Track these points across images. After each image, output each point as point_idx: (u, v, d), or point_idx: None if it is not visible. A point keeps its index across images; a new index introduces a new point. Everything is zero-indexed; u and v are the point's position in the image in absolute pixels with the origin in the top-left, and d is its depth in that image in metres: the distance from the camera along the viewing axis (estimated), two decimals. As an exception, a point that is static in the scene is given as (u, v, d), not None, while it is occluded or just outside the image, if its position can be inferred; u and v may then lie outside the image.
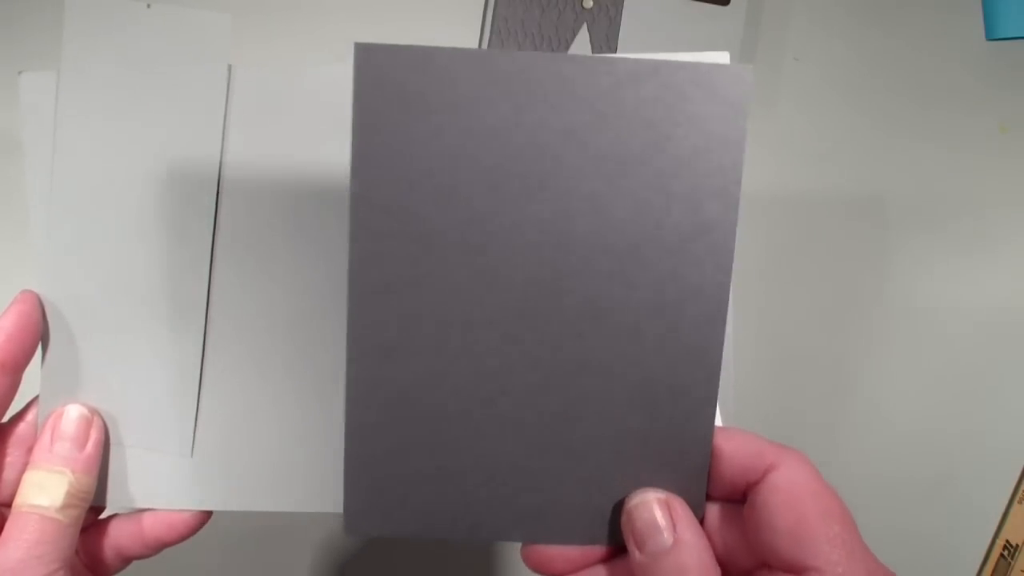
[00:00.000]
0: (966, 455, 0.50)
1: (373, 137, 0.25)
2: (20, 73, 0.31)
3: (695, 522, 0.26)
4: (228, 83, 0.31)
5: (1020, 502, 0.49)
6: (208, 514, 0.32)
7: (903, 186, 0.51)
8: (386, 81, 0.25)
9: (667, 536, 0.25)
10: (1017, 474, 0.50)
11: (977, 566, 0.50)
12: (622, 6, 0.49)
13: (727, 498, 0.27)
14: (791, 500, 0.25)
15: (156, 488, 0.31)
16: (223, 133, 0.32)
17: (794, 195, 0.51)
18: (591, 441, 0.27)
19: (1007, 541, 0.49)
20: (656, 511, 0.26)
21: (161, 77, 0.31)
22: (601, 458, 0.27)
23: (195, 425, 0.33)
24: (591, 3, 0.49)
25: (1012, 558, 0.48)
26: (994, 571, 0.49)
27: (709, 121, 0.26)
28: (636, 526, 0.26)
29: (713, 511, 0.28)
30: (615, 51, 0.49)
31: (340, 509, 0.28)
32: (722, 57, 0.29)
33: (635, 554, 0.25)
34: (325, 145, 0.31)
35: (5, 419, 0.31)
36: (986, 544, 0.50)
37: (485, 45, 0.49)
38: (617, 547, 0.28)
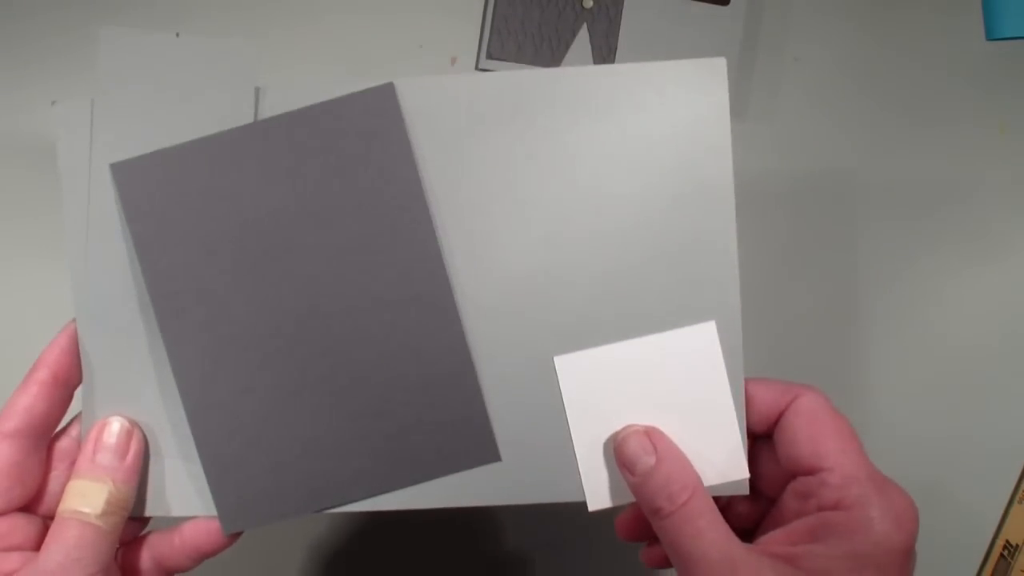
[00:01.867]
0: (966, 456, 0.50)
1: (148, 230, 0.32)
2: (53, 103, 0.33)
3: (671, 442, 0.31)
4: (256, 106, 0.33)
5: (1020, 502, 0.49)
6: None
7: (903, 186, 0.51)
8: (145, 188, 0.32)
9: (650, 457, 0.30)
10: (1017, 474, 0.50)
11: (977, 566, 0.50)
12: (622, 6, 0.49)
13: (766, 432, 0.33)
14: (810, 419, 0.31)
15: (192, 496, 0.33)
16: None
17: (794, 194, 0.51)
18: (384, 411, 0.33)
19: (1007, 541, 0.49)
20: (639, 440, 0.31)
21: (192, 104, 0.33)
22: (395, 423, 0.33)
23: None
24: (591, 3, 0.49)
25: (1012, 558, 0.48)
26: (994, 571, 0.49)
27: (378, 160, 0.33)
28: (626, 453, 0.31)
29: (755, 448, 0.34)
30: (615, 51, 0.49)
31: (383, 493, 0.33)
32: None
33: (628, 477, 0.31)
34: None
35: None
36: (986, 544, 0.50)
37: (485, 45, 0.49)
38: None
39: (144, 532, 0.34)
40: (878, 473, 0.30)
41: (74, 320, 0.33)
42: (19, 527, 0.31)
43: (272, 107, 0.33)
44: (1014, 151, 0.52)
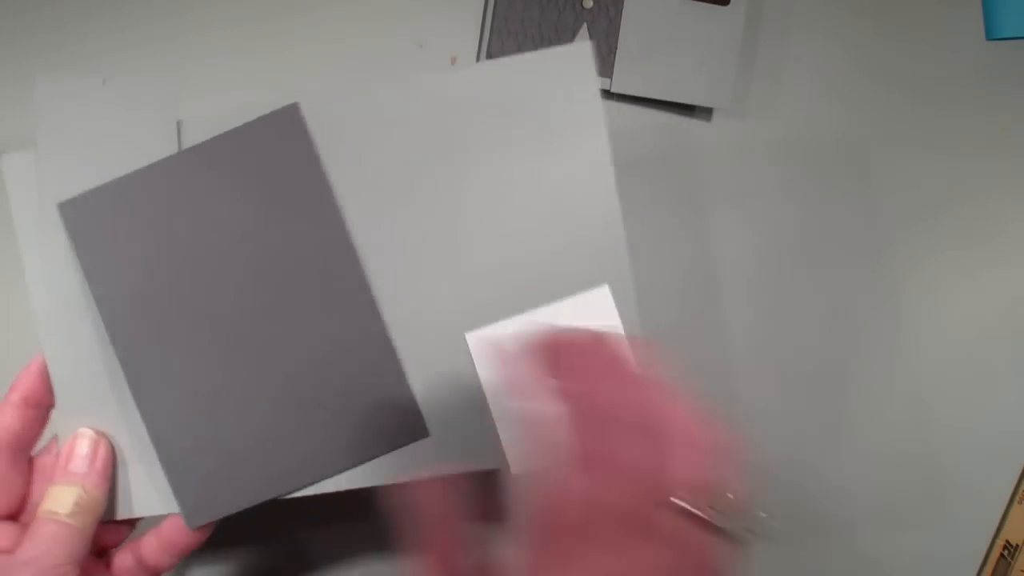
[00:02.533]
0: (966, 456, 0.50)
1: (95, 259, 0.35)
2: (0, 155, 0.36)
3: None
4: (179, 138, 0.36)
5: (1020, 502, 0.49)
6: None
7: (903, 186, 0.51)
8: (89, 221, 0.35)
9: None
10: (1017, 474, 0.50)
11: (977, 566, 0.50)
12: (622, 6, 0.49)
13: None
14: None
15: (156, 497, 0.36)
16: None
17: (793, 194, 0.51)
18: (319, 400, 0.36)
19: (1007, 541, 0.49)
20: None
21: (122, 142, 0.36)
22: (330, 411, 0.36)
23: None
24: (591, 3, 0.49)
25: (1012, 558, 0.48)
26: (994, 571, 0.49)
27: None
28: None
29: None
30: (615, 51, 0.49)
31: (329, 476, 0.36)
32: None
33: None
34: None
35: (34, 453, 0.37)
36: (986, 544, 0.50)
37: (485, 45, 0.49)
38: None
39: (132, 537, 0.38)
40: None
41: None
42: (3, 533, 0.34)
43: (193, 138, 0.36)
44: (1014, 151, 0.52)
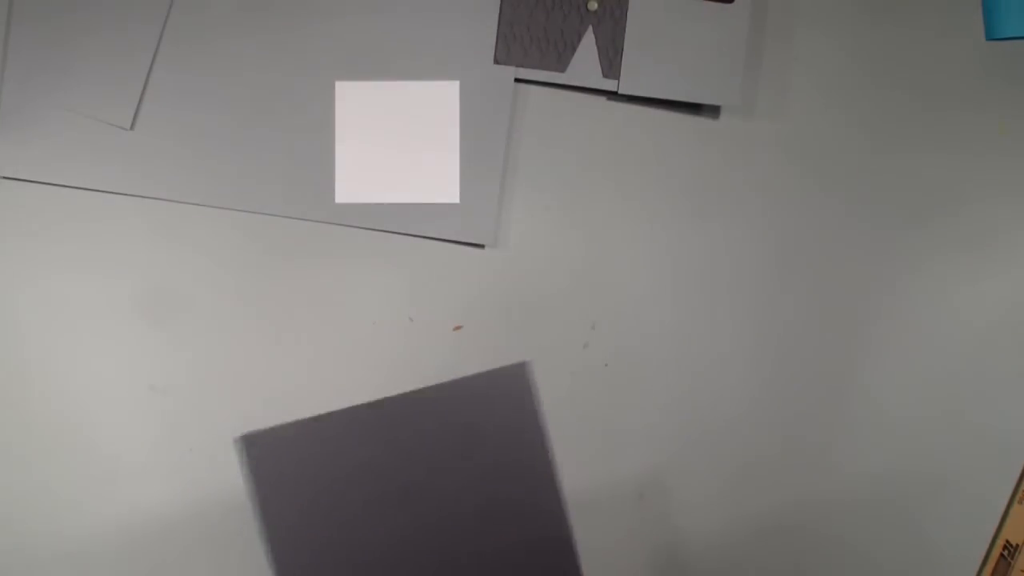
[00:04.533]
0: (966, 455, 0.51)
1: (272, 496, 0.34)
2: None
3: None
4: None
5: (1020, 502, 0.50)
6: None
7: (903, 185, 0.51)
8: (273, 459, 0.35)
9: None
10: (1017, 474, 0.51)
11: (977, 566, 0.51)
12: (627, 7, 0.48)
13: None
14: None
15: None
16: None
17: (794, 193, 0.51)
18: None
19: (1007, 541, 0.50)
20: None
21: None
22: None
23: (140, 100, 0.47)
24: (596, 5, 0.48)
25: (1012, 558, 0.49)
26: (994, 571, 0.50)
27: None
28: None
29: None
30: (621, 52, 0.49)
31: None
32: None
33: None
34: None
35: None
36: (986, 544, 0.51)
37: (492, 50, 0.48)
38: None
39: None
40: None
41: None
42: None
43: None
44: (1014, 151, 0.52)
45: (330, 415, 0.34)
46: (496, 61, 0.48)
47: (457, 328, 0.46)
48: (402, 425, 0.34)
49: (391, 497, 0.34)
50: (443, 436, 0.34)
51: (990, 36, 0.52)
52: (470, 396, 0.35)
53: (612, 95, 0.50)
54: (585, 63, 0.49)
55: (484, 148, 0.48)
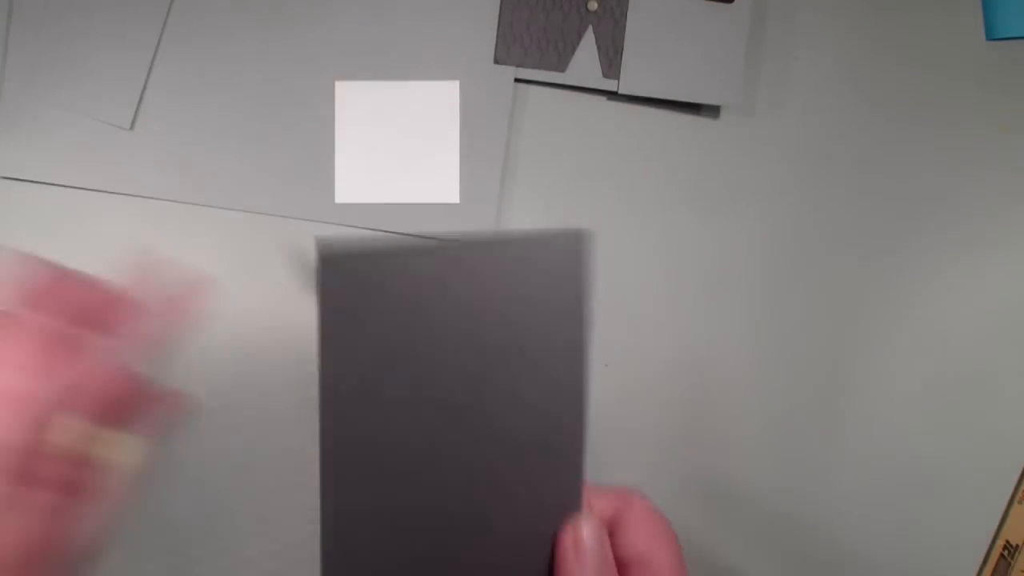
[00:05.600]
0: (966, 455, 0.51)
1: (335, 318, 0.31)
2: None
3: (607, 539, 0.34)
4: None
5: (1020, 502, 0.50)
6: None
7: (903, 185, 0.51)
8: (348, 280, 0.31)
9: (597, 552, 0.33)
10: (1017, 474, 0.51)
11: (977, 566, 0.51)
12: (627, 7, 0.48)
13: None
14: (644, 519, 0.35)
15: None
16: None
17: (794, 193, 0.51)
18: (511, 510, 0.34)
19: (1007, 541, 0.50)
20: (588, 529, 0.33)
21: None
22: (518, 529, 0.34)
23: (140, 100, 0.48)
24: (596, 5, 0.48)
25: (1012, 558, 0.49)
26: (994, 571, 0.50)
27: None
28: (576, 538, 0.33)
29: None
30: (621, 52, 0.49)
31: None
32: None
33: (569, 558, 0.33)
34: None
35: None
36: (986, 544, 0.51)
37: (492, 50, 0.48)
38: None
39: None
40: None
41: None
42: None
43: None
44: (1014, 151, 0.52)
45: (402, 248, 0.32)
46: (496, 61, 0.48)
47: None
48: (464, 272, 0.33)
49: (437, 355, 0.33)
50: (491, 293, 0.33)
51: (990, 36, 0.52)
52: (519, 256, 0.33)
53: (612, 95, 0.50)
54: (585, 63, 0.49)
55: (484, 148, 0.48)
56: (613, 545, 0.34)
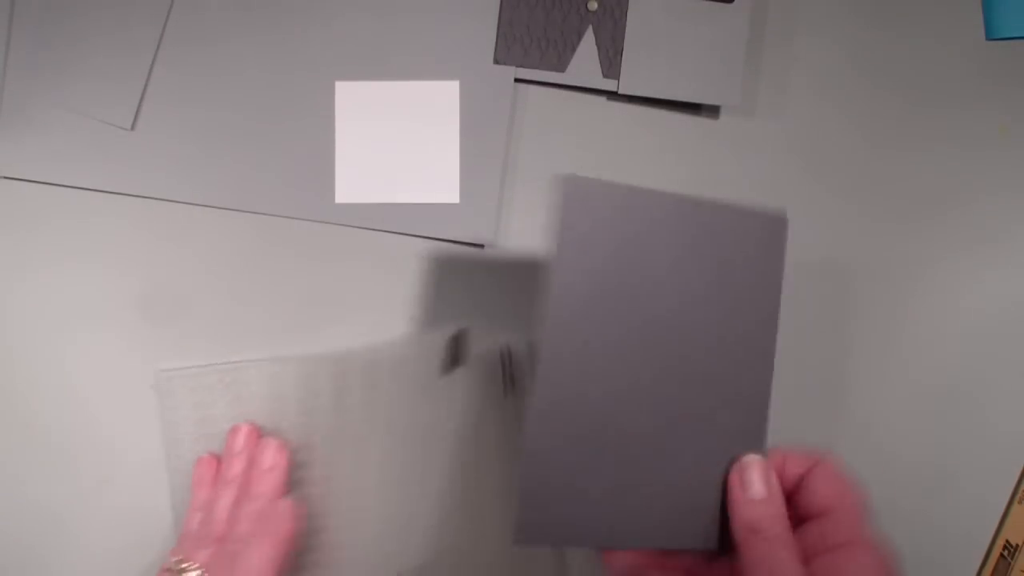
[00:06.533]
0: (966, 455, 0.51)
1: (570, 249, 0.34)
2: None
3: (779, 485, 0.37)
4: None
5: (1020, 502, 0.50)
6: None
7: (903, 185, 0.51)
8: (585, 210, 0.35)
9: (762, 487, 0.36)
10: (1017, 474, 0.51)
11: (977, 566, 0.51)
12: (627, 7, 0.48)
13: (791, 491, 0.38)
14: (830, 478, 0.38)
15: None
16: None
17: (794, 192, 0.51)
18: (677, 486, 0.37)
19: (1007, 541, 0.50)
20: (758, 469, 0.37)
21: None
22: (703, 465, 0.37)
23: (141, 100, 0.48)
24: (596, 5, 0.48)
25: (1012, 558, 0.49)
26: (994, 571, 0.50)
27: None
28: (745, 475, 0.37)
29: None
30: (621, 52, 0.49)
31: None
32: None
33: (737, 491, 0.36)
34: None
35: None
36: (986, 544, 0.51)
37: (492, 49, 0.48)
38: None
39: None
40: (870, 534, 0.37)
41: None
42: None
43: None
44: (1014, 151, 0.52)
45: (642, 191, 0.36)
46: (496, 61, 0.48)
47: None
48: (681, 225, 0.36)
49: (651, 297, 0.36)
50: (698, 254, 0.37)
51: (990, 36, 0.52)
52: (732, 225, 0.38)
53: (612, 95, 0.50)
54: (585, 63, 0.49)
55: (484, 148, 0.49)
56: (800, 498, 0.37)
